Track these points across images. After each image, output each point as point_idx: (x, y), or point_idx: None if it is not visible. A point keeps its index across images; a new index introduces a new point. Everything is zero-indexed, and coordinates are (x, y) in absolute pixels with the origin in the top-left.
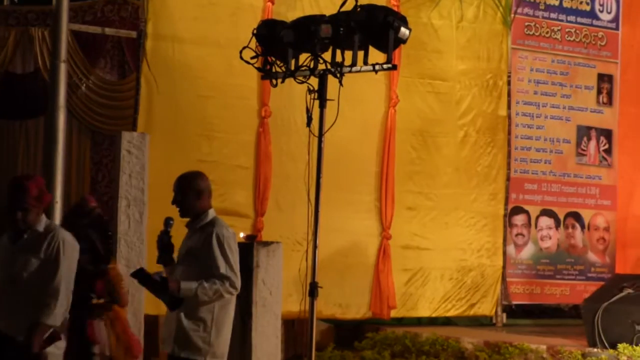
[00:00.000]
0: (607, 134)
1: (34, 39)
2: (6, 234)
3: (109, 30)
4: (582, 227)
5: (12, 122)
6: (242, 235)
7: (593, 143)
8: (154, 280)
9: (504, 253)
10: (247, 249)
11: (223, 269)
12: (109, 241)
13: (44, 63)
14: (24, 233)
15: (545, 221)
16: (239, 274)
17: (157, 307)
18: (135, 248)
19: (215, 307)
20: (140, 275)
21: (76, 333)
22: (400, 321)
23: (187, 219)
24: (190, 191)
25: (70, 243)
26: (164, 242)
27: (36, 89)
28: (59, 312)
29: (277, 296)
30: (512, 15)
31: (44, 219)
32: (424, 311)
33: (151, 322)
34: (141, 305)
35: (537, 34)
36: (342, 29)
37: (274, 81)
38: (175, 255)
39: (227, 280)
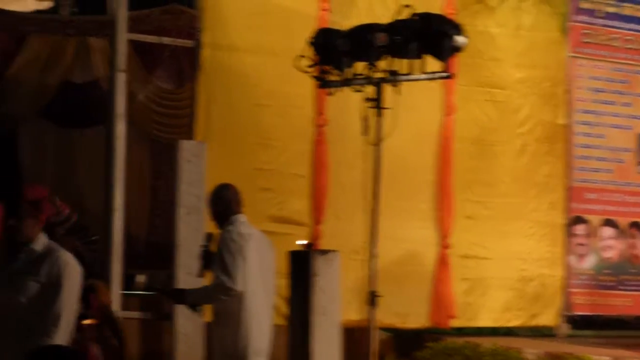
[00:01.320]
0: None
1: (93, 49)
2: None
3: (166, 40)
4: None
5: (71, 131)
6: (300, 242)
7: None
8: (168, 293)
9: (565, 263)
10: (305, 257)
11: (218, 271)
12: (93, 247)
13: (103, 72)
14: (21, 252)
15: (606, 231)
16: (234, 273)
17: None
18: (193, 255)
19: (230, 308)
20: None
21: None
22: (461, 331)
23: None
24: (219, 201)
25: (73, 266)
26: (201, 256)
27: (95, 98)
28: (61, 342)
29: (336, 304)
30: (570, 24)
31: (42, 237)
32: (485, 321)
33: None
34: None
35: (595, 41)
36: (398, 37)
37: (330, 90)
38: None
39: (219, 284)
